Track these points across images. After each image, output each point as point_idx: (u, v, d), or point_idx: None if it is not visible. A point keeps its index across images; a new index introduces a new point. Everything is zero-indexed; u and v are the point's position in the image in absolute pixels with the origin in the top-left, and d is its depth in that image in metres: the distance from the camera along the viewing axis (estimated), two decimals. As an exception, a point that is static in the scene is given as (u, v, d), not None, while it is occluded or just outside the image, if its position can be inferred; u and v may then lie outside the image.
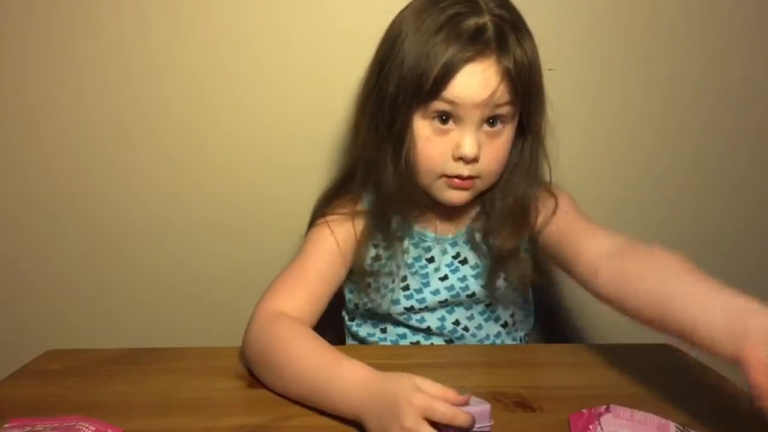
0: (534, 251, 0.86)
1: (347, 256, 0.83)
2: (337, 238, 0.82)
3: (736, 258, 1.12)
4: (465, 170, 0.77)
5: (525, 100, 0.77)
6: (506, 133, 0.78)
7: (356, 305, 0.89)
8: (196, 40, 0.97)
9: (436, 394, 0.57)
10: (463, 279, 0.86)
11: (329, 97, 1.00)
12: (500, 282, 0.86)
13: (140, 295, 1.06)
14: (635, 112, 1.05)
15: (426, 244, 0.86)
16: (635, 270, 0.70)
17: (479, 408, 0.59)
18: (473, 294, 0.86)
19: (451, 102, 0.74)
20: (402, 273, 0.85)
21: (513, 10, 0.77)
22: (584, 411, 0.63)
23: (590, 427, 0.60)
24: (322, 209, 0.86)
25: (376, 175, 0.80)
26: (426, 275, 0.86)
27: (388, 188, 0.79)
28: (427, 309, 0.87)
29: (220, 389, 0.71)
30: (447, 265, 0.86)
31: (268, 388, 0.70)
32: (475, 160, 0.76)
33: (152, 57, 0.97)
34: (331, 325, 0.89)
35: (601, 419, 0.61)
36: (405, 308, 0.86)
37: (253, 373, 0.73)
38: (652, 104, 1.05)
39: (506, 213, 0.82)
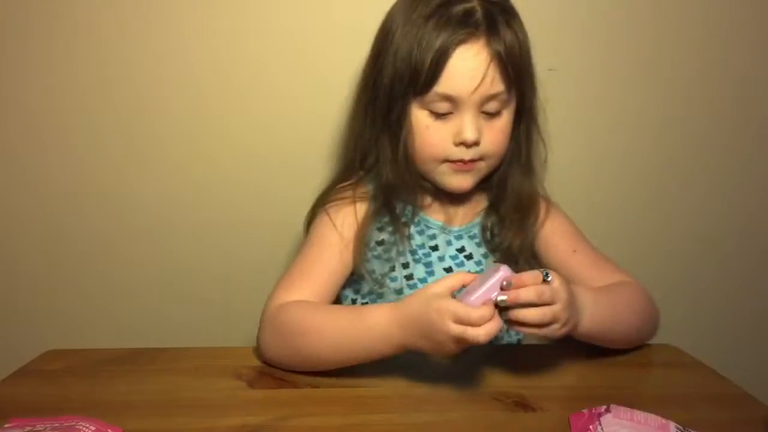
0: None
1: (351, 241, 0.83)
2: (338, 226, 0.82)
3: (736, 258, 1.12)
4: (467, 154, 0.78)
5: (518, 82, 0.78)
6: (505, 115, 0.79)
7: (354, 300, 0.88)
8: (196, 40, 0.97)
9: (464, 317, 0.62)
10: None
11: (329, 97, 0.99)
12: None
13: (140, 295, 1.06)
14: (634, 112, 1.05)
15: (431, 232, 0.86)
16: None
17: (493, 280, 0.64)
18: None
19: (446, 96, 0.75)
20: (404, 260, 0.84)
21: None
22: (584, 411, 0.63)
23: (590, 427, 0.60)
24: (321, 200, 0.86)
25: (375, 165, 0.82)
26: (430, 264, 0.85)
27: (388, 178, 0.81)
28: None
29: (220, 389, 0.71)
30: (451, 257, 0.86)
31: (298, 372, 0.72)
32: (476, 143, 0.77)
33: (152, 57, 0.97)
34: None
35: (601, 419, 0.61)
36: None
37: (280, 364, 0.74)
38: (652, 104, 1.05)
39: (513, 208, 0.84)
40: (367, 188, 0.85)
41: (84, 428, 0.59)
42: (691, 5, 1.01)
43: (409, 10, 0.77)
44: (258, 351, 0.77)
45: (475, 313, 0.62)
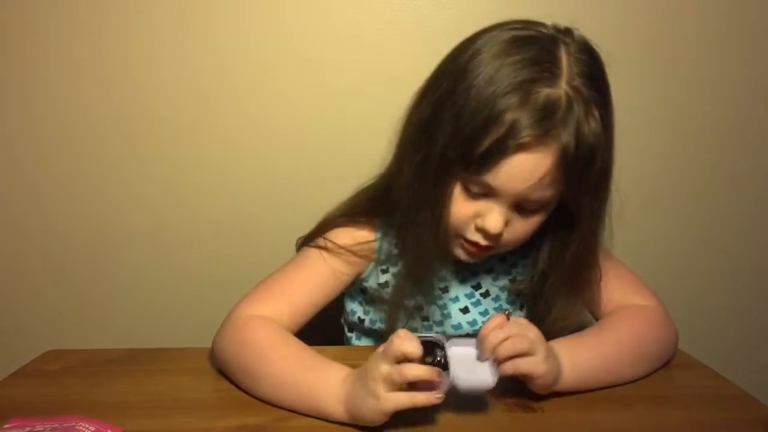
0: None
1: (344, 281, 0.80)
2: (335, 267, 0.78)
3: (737, 258, 1.12)
4: (483, 241, 0.71)
5: (575, 189, 0.69)
6: (541, 214, 0.71)
7: (361, 320, 0.85)
8: (197, 41, 0.97)
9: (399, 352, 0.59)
10: (485, 313, 0.82)
11: (330, 99, 1.00)
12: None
13: (140, 295, 1.06)
14: (634, 112, 1.05)
15: (441, 273, 0.80)
16: None
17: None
18: None
19: (489, 187, 0.68)
20: (415, 303, 0.79)
21: (595, 81, 0.67)
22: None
23: None
24: (330, 226, 0.80)
25: (414, 230, 0.73)
26: (445, 306, 0.81)
27: (425, 248, 0.73)
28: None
29: (220, 389, 0.71)
30: (467, 296, 0.81)
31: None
32: (497, 236, 0.70)
33: (153, 57, 0.97)
34: (327, 335, 0.87)
35: None
36: None
37: (226, 373, 0.72)
38: (652, 104, 1.05)
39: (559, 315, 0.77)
40: (378, 234, 0.79)
41: (84, 428, 0.59)
42: (689, 4, 1.01)
43: (491, 68, 0.65)
44: (211, 351, 0.75)
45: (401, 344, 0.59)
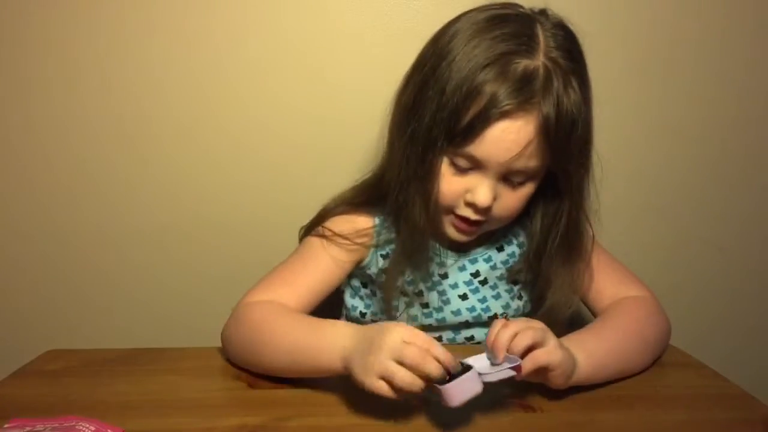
0: None
1: (345, 268, 0.82)
2: (335, 255, 0.80)
3: (737, 258, 1.12)
4: (473, 215, 0.73)
5: (559, 158, 0.71)
6: (528, 186, 0.74)
7: (363, 314, 0.87)
8: (196, 41, 0.97)
9: (421, 345, 0.59)
10: (483, 300, 0.83)
11: (330, 99, 1.00)
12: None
13: (140, 295, 1.06)
14: (634, 112, 1.05)
15: (439, 260, 0.81)
16: None
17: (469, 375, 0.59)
18: (495, 315, 0.83)
19: (475, 159, 0.70)
20: (416, 288, 0.81)
21: (572, 53, 0.70)
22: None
23: None
24: (329, 214, 0.83)
25: (406, 208, 0.75)
26: (444, 292, 0.82)
27: (417, 224, 0.74)
28: (446, 328, 0.84)
29: (220, 389, 0.71)
30: (466, 283, 0.82)
31: (250, 372, 0.72)
32: (486, 210, 0.73)
33: (152, 57, 0.97)
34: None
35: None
36: (422, 326, 0.82)
37: (236, 359, 0.75)
38: (651, 104, 1.05)
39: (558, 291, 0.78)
40: (376, 220, 0.81)
41: (84, 428, 0.59)
42: (689, 4, 1.01)
43: (469, 46, 0.68)
44: (222, 345, 0.77)
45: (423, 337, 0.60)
